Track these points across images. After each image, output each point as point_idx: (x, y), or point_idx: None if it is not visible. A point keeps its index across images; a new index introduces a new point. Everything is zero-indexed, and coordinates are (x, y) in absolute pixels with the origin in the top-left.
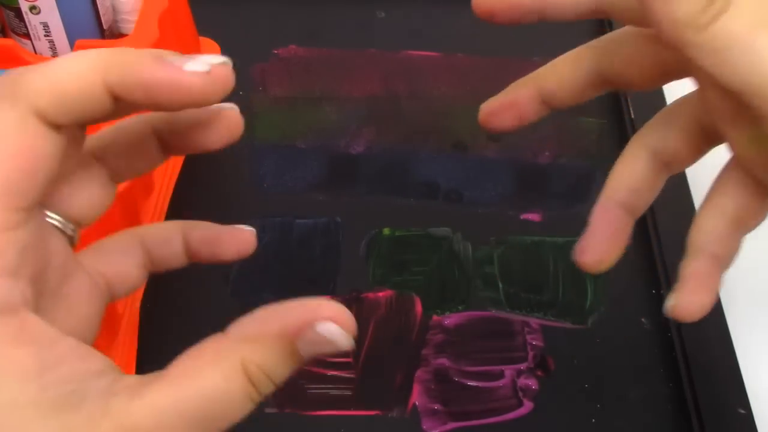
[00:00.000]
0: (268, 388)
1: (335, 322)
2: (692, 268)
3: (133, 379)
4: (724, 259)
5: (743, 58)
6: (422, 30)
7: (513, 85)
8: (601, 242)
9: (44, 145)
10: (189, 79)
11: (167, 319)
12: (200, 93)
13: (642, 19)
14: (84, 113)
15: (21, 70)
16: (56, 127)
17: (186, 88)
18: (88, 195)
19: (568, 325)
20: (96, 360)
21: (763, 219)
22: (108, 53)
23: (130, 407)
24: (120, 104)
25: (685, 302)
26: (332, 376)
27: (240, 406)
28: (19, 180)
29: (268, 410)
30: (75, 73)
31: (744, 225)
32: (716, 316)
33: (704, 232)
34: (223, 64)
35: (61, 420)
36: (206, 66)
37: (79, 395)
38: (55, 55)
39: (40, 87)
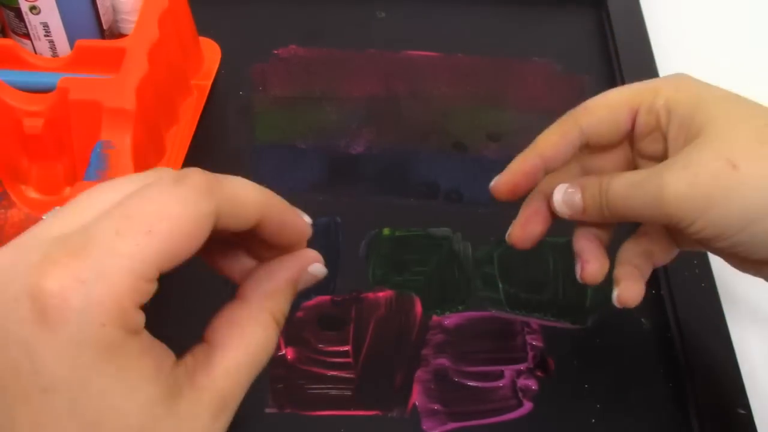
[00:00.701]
0: (284, 319)
1: (317, 261)
2: (622, 272)
3: (190, 358)
4: (643, 269)
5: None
6: (422, 30)
7: (516, 159)
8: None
9: (206, 233)
10: (308, 228)
11: (167, 319)
12: (307, 235)
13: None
14: (237, 224)
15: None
16: (221, 218)
17: (306, 233)
18: None
19: (567, 325)
20: (167, 352)
21: (668, 260)
22: (266, 191)
23: (212, 379)
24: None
25: (624, 292)
26: (332, 376)
27: (275, 344)
28: (181, 246)
29: (268, 410)
30: (249, 195)
31: (652, 258)
32: (716, 316)
33: (625, 253)
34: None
35: (178, 404)
36: (309, 219)
37: (178, 384)
38: (55, 55)
39: (227, 195)
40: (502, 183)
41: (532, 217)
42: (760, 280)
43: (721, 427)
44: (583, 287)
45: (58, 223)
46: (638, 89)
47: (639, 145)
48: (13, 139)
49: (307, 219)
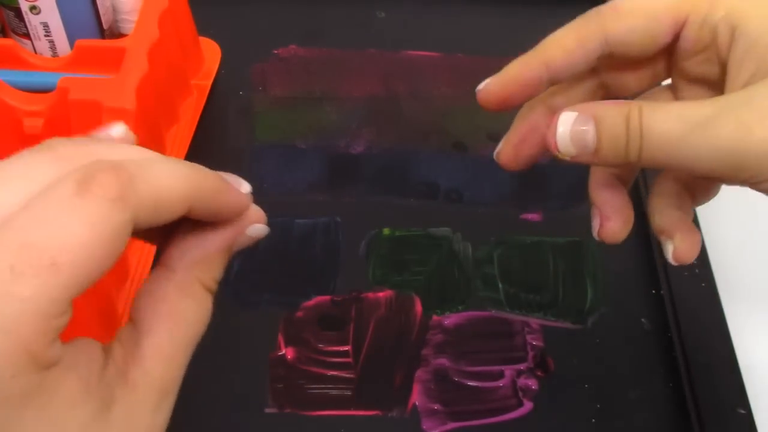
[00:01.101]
0: (217, 285)
1: (258, 221)
2: (669, 221)
3: (117, 347)
4: (689, 214)
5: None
6: (422, 30)
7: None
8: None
9: (121, 247)
10: (247, 201)
11: None
12: (245, 209)
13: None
14: (159, 222)
15: (126, 164)
16: (141, 223)
17: (244, 208)
18: None
19: (568, 325)
20: (93, 357)
21: (711, 197)
22: (196, 174)
23: (145, 370)
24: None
25: (682, 245)
26: (332, 376)
27: (210, 313)
28: (91, 272)
29: (268, 410)
30: (173, 188)
31: (694, 197)
32: (716, 316)
33: (660, 197)
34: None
35: (113, 411)
36: (249, 187)
37: (110, 388)
38: (55, 55)
39: (144, 196)
40: (491, 88)
41: (528, 135)
42: (761, 280)
43: (721, 427)
44: (584, 287)
45: None
46: None
47: (682, 64)
48: (13, 139)
49: (245, 188)
